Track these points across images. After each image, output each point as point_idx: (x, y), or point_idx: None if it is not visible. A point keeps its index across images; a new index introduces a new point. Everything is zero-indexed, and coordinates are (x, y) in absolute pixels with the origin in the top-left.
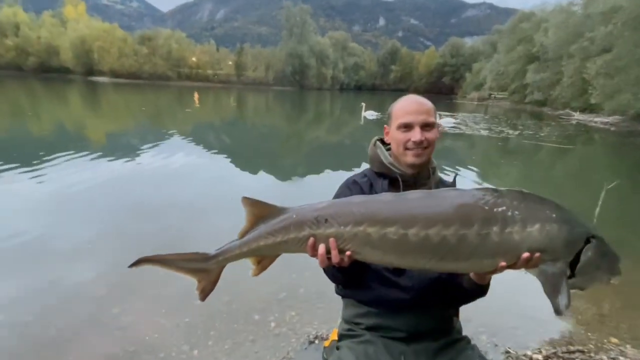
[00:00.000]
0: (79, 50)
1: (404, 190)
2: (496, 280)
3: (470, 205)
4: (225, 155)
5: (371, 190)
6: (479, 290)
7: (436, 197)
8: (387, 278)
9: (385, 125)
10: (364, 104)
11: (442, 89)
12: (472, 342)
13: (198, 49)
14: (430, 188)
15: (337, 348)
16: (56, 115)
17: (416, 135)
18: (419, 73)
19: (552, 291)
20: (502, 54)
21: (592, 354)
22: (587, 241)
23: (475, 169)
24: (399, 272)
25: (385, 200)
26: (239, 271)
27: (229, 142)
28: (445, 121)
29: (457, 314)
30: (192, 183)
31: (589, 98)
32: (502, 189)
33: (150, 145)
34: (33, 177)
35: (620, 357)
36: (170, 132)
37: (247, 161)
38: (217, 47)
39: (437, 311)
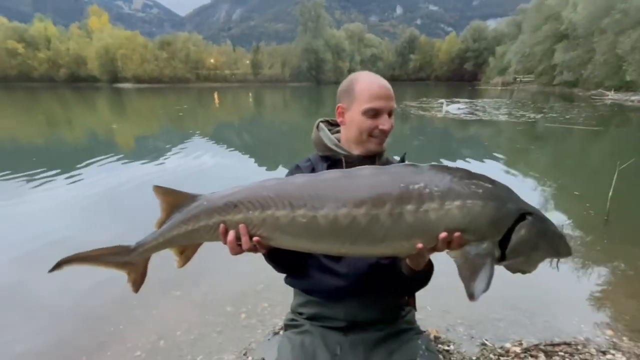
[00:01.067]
0: (104, 59)
1: None
2: None
3: (384, 184)
4: (247, 154)
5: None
6: (420, 277)
7: (351, 176)
8: (324, 265)
9: (339, 105)
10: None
11: (465, 76)
12: (426, 332)
13: (215, 50)
14: None
15: (275, 334)
16: (87, 122)
17: (386, 123)
18: (439, 61)
19: (469, 274)
20: (528, 34)
21: (579, 347)
22: (521, 219)
23: (500, 156)
24: (336, 258)
25: (297, 182)
26: (218, 263)
27: (250, 141)
28: (452, 107)
29: (409, 303)
30: (217, 182)
31: (624, 75)
32: (425, 164)
33: (175, 146)
34: (70, 182)
35: (612, 350)
36: (195, 132)
37: (268, 159)
38: (234, 47)
39: (380, 300)
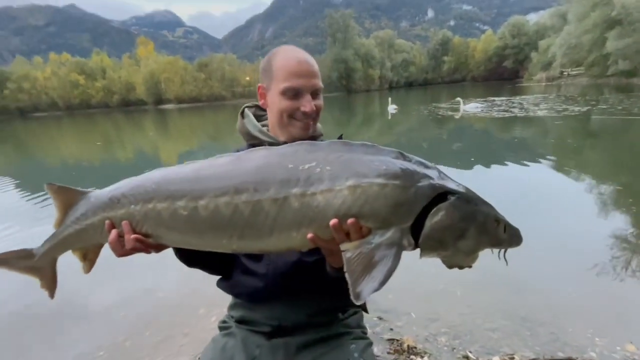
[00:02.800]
0: (150, 83)
1: None
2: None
3: (272, 165)
4: None
5: None
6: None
7: (241, 160)
8: (245, 265)
9: (259, 85)
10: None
11: (504, 74)
12: (368, 339)
13: (249, 67)
14: None
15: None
16: (136, 142)
17: (307, 104)
18: (475, 61)
19: (361, 269)
20: (574, 24)
21: None
22: (440, 199)
23: (549, 156)
24: (256, 258)
25: (183, 171)
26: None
27: None
28: (471, 106)
29: (355, 305)
30: None
31: None
32: (325, 141)
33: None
34: None
35: None
36: (233, 146)
37: None
38: None
39: (308, 302)
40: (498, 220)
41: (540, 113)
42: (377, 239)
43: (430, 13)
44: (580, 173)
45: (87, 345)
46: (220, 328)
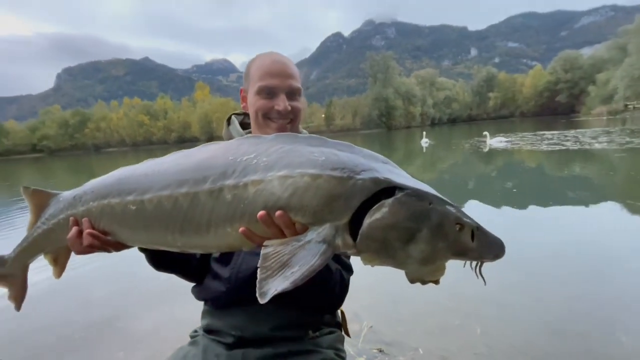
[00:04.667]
0: (203, 122)
1: None
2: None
3: (214, 158)
4: None
5: None
6: (314, 289)
7: (190, 154)
8: (212, 269)
9: (241, 88)
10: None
11: (558, 109)
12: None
13: None
14: None
15: None
16: None
17: (281, 103)
18: (523, 96)
19: (278, 265)
20: (635, 56)
21: None
22: (384, 195)
23: (618, 196)
24: (223, 262)
25: (141, 166)
26: None
27: None
28: (496, 140)
29: (330, 324)
30: None
31: None
32: (273, 134)
33: None
34: None
35: None
36: None
37: None
38: (309, 103)
39: (272, 313)
40: (461, 223)
41: (598, 146)
42: (308, 236)
43: (474, 52)
44: None
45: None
46: (191, 337)
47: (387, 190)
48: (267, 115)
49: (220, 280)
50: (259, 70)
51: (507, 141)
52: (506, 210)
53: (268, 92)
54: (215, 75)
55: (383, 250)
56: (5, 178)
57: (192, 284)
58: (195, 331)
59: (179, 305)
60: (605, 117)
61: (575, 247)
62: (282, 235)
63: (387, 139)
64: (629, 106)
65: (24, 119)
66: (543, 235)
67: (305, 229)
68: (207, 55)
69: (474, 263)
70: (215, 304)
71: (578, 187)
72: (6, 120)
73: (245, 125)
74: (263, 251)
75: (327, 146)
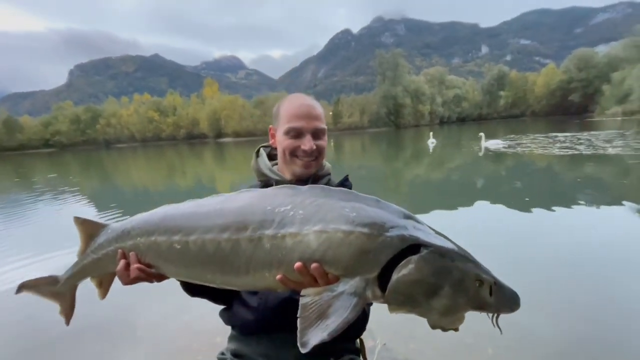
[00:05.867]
0: (212, 119)
1: None
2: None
3: (252, 206)
4: None
5: None
6: None
7: (229, 200)
8: (242, 297)
9: (270, 126)
10: (482, 134)
11: (571, 109)
12: None
13: None
14: None
15: None
16: (196, 171)
17: (307, 143)
18: (535, 95)
19: (315, 315)
20: None
21: None
22: (412, 251)
23: (629, 202)
24: (251, 291)
25: (183, 207)
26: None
27: None
28: (491, 143)
29: (351, 350)
30: None
31: None
32: (307, 186)
33: None
34: None
35: None
36: None
37: None
38: (317, 101)
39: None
40: (481, 279)
41: (612, 151)
42: (340, 287)
43: (485, 49)
44: None
45: None
46: (218, 359)
47: (413, 246)
48: (294, 154)
49: (248, 309)
50: (287, 112)
51: (503, 144)
52: (513, 218)
53: (295, 133)
54: (224, 72)
55: (409, 303)
56: (22, 173)
57: (221, 307)
58: (223, 354)
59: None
60: (620, 118)
61: (592, 262)
62: (316, 283)
63: (395, 137)
64: None
65: (37, 114)
66: (556, 243)
67: (337, 278)
68: (215, 52)
69: (491, 314)
70: (243, 330)
71: (587, 192)
72: (21, 115)
73: (271, 157)
74: (301, 301)
75: (357, 201)
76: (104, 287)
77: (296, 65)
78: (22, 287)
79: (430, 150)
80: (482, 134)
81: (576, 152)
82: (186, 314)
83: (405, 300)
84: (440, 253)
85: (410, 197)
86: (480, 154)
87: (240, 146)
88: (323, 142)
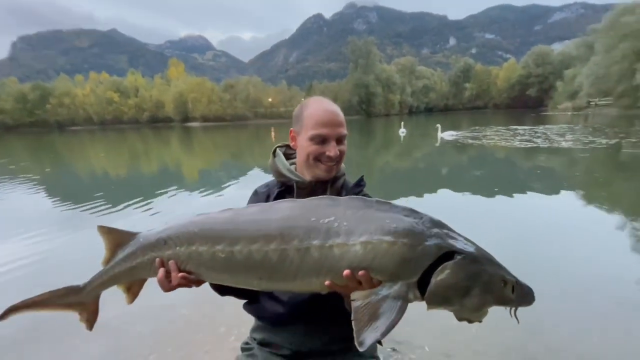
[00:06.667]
0: (178, 102)
1: (298, 197)
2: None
3: (296, 218)
4: None
5: (267, 200)
6: None
7: (269, 210)
8: (270, 292)
9: (291, 129)
10: (439, 126)
11: (528, 102)
12: None
13: (272, 90)
14: (328, 193)
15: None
16: (161, 156)
17: (332, 150)
18: (497, 88)
19: (367, 317)
20: (601, 55)
21: None
22: (446, 258)
23: (576, 189)
24: None
25: (221, 217)
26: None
27: None
28: (447, 134)
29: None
30: None
31: None
32: (344, 197)
33: (234, 178)
34: (144, 211)
35: None
36: (252, 165)
37: None
38: (289, 87)
39: (325, 330)
40: (505, 280)
41: (565, 144)
42: (385, 290)
43: (452, 41)
44: (609, 208)
45: (112, 357)
46: (243, 349)
47: (447, 252)
48: (318, 159)
49: (278, 302)
50: (312, 118)
51: (456, 134)
52: (476, 203)
53: (320, 140)
54: (190, 52)
55: (445, 302)
56: None
57: (243, 301)
58: (247, 343)
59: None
60: (570, 113)
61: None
62: (360, 286)
63: (367, 126)
64: (592, 103)
65: None
66: (513, 225)
67: (379, 282)
68: (181, 30)
69: (511, 308)
70: (273, 321)
71: (543, 180)
72: None
73: (286, 156)
74: (353, 305)
75: (394, 212)
76: (132, 292)
77: (267, 48)
78: (31, 305)
79: (402, 140)
80: (438, 125)
81: (534, 145)
82: (182, 307)
83: (442, 300)
84: (472, 259)
85: (381, 184)
86: (437, 144)
87: (209, 131)
88: (344, 147)
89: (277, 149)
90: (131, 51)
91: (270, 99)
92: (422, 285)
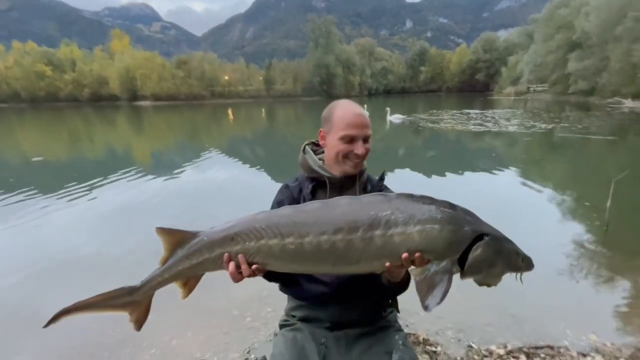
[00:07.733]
0: (124, 79)
1: (331, 192)
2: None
3: (357, 212)
4: (261, 167)
5: (300, 194)
6: (397, 285)
7: (329, 207)
8: (312, 275)
9: (321, 129)
10: (388, 109)
11: (477, 86)
12: (405, 332)
13: (229, 67)
14: (356, 188)
15: (275, 335)
16: (106, 139)
17: (360, 149)
18: (450, 72)
19: (426, 288)
20: (539, 44)
21: (562, 350)
22: (478, 239)
23: (515, 168)
24: None
25: (285, 214)
26: (227, 274)
27: (263, 154)
28: (394, 117)
29: (391, 306)
30: (229, 197)
31: None
32: (393, 193)
33: (190, 161)
34: (88, 197)
35: (593, 353)
36: (209, 147)
37: (281, 171)
38: (247, 64)
39: (360, 304)
40: (518, 253)
41: (511, 129)
42: (434, 267)
43: (409, 23)
44: (544, 184)
45: (137, 344)
46: (283, 326)
47: (479, 235)
48: (346, 156)
49: (322, 284)
50: (342, 120)
51: (403, 118)
52: (430, 181)
53: (350, 140)
54: (134, 22)
55: (477, 272)
56: None
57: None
58: (286, 320)
59: None
60: (512, 97)
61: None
62: (413, 265)
63: None
64: (531, 89)
65: None
66: (463, 201)
67: (428, 261)
68: None
69: (518, 274)
70: (316, 300)
71: (489, 160)
72: None
73: (313, 152)
74: (415, 279)
75: (436, 205)
76: (188, 287)
77: (222, 22)
78: (82, 308)
79: (388, 125)
80: (388, 108)
81: (486, 129)
82: (191, 296)
83: (476, 271)
84: (496, 239)
85: None
86: (387, 127)
87: (162, 110)
88: (370, 146)
89: (307, 147)
90: (61, 17)
91: (227, 77)
92: (461, 260)
